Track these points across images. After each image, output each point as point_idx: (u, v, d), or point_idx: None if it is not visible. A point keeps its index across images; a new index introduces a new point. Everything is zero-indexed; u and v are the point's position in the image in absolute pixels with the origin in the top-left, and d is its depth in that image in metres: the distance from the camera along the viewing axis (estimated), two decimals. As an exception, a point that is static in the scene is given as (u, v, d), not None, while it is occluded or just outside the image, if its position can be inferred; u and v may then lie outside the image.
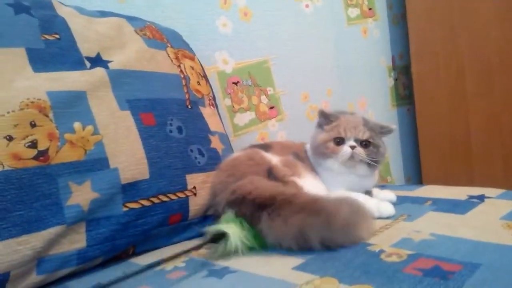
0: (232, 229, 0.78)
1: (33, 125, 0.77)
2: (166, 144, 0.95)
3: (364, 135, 0.98)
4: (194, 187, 0.97)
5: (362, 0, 2.05)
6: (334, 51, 1.90)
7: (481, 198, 1.02)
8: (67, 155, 0.79)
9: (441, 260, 0.65)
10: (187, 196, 0.95)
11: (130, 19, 1.10)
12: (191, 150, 1.00)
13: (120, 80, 0.94)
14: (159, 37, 1.12)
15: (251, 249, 0.79)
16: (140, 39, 1.05)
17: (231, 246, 0.76)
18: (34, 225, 0.72)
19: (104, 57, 0.95)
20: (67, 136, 0.80)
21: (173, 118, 1.00)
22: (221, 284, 0.66)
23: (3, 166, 0.72)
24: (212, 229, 0.78)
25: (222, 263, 0.74)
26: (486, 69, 1.82)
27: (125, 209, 0.84)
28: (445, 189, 1.18)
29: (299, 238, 0.73)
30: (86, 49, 0.93)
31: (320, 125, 1.04)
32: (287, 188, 0.84)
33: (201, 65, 1.26)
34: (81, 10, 1.01)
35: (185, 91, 1.09)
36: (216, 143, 1.09)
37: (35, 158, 0.76)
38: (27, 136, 0.76)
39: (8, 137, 0.74)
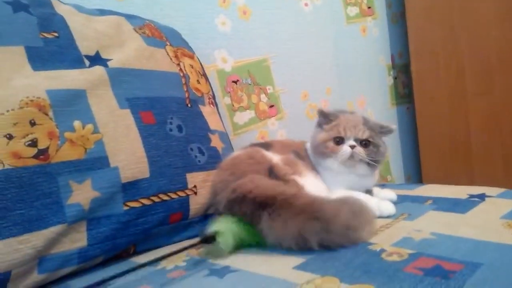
0: (224, 228, 0.78)
1: (32, 123, 0.77)
2: (166, 143, 0.95)
3: (364, 134, 0.97)
4: (195, 186, 0.97)
5: (361, -1, 2.06)
6: (333, 50, 1.90)
7: (482, 197, 1.02)
8: (67, 153, 0.79)
9: (442, 260, 0.65)
10: (188, 195, 0.95)
11: (129, 17, 1.10)
12: (191, 149, 1.00)
13: (120, 78, 0.94)
14: (158, 35, 1.12)
15: (251, 249, 0.79)
16: (139, 38, 1.05)
17: (223, 245, 0.76)
18: (35, 224, 0.72)
19: (103, 56, 0.94)
20: (67, 134, 0.80)
21: (173, 116, 1.00)
22: (222, 283, 0.66)
23: (3, 165, 0.72)
24: (205, 230, 0.78)
25: (223, 263, 0.74)
26: (486, 69, 1.82)
27: (125, 208, 0.84)
28: (445, 188, 1.18)
29: (299, 239, 0.73)
30: (85, 47, 0.92)
31: (319, 125, 1.04)
32: (288, 188, 0.83)
33: (201, 63, 1.26)
34: (79, 8, 1.01)
35: (185, 89, 1.08)
36: (216, 141, 1.09)
37: (35, 156, 0.75)
38: (27, 135, 0.75)
39: (8, 136, 0.73)
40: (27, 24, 0.86)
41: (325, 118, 1.03)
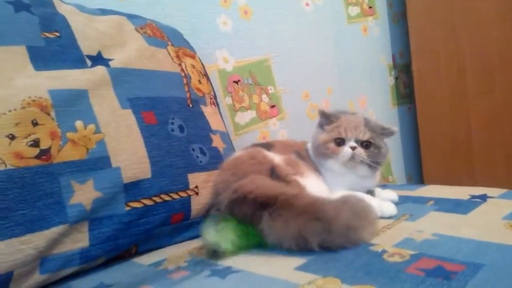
0: (223, 239, 0.78)
1: (35, 123, 0.77)
2: (168, 143, 0.95)
3: (365, 135, 0.97)
4: (196, 186, 0.97)
5: (363, -1, 2.06)
6: (334, 50, 1.90)
7: (483, 198, 1.02)
8: (69, 154, 0.79)
9: (443, 260, 0.65)
10: (189, 195, 0.95)
11: (131, 17, 1.10)
12: (193, 149, 1.00)
13: (121, 78, 0.94)
14: (160, 35, 1.12)
15: (253, 249, 0.79)
16: (141, 37, 1.05)
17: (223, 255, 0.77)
18: (37, 224, 0.72)
19: (105, 56, 0.94)
20: (69, 135, 0.80)
21: (175, 116, 1.00)
22: (224, 284, 0.66)
23: (6, 165, 0.72)
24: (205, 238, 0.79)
25: (225, 263, 0.74)
26: (487, 68, 1.82)
27: (127, 208, 0.84)
28: (446, 188, 1.17)
29: (299, 240, 0.73)
30: (87, 47, 0.93)
31: (320, 125, 1.04)
32: (289, 188, 0.83)
33: (202, 63, 1.26)
34: (81, 8, 1.01)
35: (186, 89, 1.08)
36: (217, 142, 1.09)
37: (37, 157, 0.75)
38: (29, 135, 0.76)
39: (10, 136, 0.73)
40: (28, 24, 0.86)
41: (326, 119, 1.02)
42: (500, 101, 1.80)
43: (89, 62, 0.91)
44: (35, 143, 0.76)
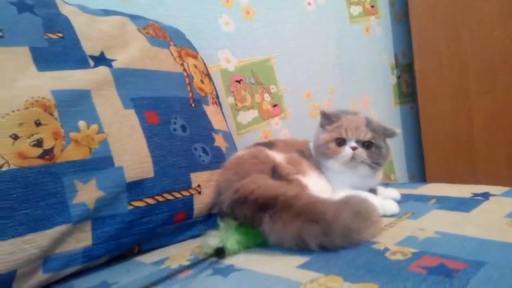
0: (229, 241, 0.79)
1: (38, 123, 0.77)
2: (170, 143, 0.95)
3: (366, 136, 0.97)
4: (199, 186, 0.97)
5: (365, -2, 2.06)
6: (336, 49, 1.90)
7: (486, 196, 1.02)
8: (72, 153, 0.79)
9: (446, 258, 0.65)
10: (192, 195, 0.95)
11: (133, 17, 1.10)
12: (195, 149, 1.00)
13: (124, 78, 0.94)
14: (162, 35, 1.12)
15: (255, 248, 0.79)
16: (143, 38, 1.06)
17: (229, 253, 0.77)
18: (40, 223, 0.73)
19: (108, 56, 0.95)
20: (72, 134, 0.80)
21: (177, 116, 1.00)
22: (226, 282, 0.66)
23: (9, 165, 0.72)
24: (209, 243, 0.79)
25: (227, 262, 0.74)
26: (490, 68, 1.82)
27: (130, 207, 0.85)
28: (449, 187, 1.17)
29: (299, 241, 0.73)
30: (90, 47, 0.93)
31: (322, 125, 1.04)
32: (290, 188, 0.83)
33: (204, 63, 1.27)
34: (84, 9, 1.01)
35: (189, 89, 1.09)
36: (220, 141, 1.09)
37: (41, 157, 0.76)
38: (32, 135, 0.76)
39: (13, 136, 0.74)
40: (31, 25, 0.87)
41: (327, 119, 1.02)
42: (502, 100, 1.80)
43: (92, 63, 0.91)
44: (38, 143, 0.76)
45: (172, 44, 1.13)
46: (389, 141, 1.02)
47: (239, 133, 1.52)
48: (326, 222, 0.73)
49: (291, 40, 1.71)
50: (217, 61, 1.48)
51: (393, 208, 0.94)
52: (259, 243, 0.79)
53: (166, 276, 0.72)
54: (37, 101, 0.78)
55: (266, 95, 1.61)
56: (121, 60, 0.96)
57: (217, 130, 1.11)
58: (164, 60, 1.07)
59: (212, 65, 1.43)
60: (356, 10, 2.01)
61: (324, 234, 0.72)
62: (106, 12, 1.06)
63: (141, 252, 0.90)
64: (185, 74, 1.10)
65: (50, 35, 0.88)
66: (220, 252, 0.77)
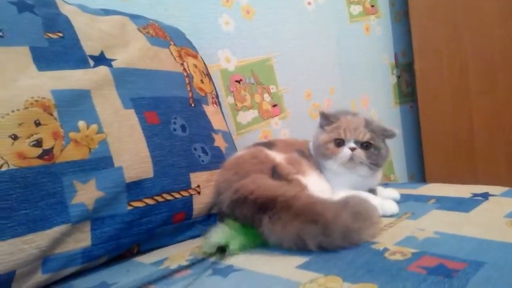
0: (231, 240, 0.79)
1: (37, 123, 0.77)
2: (170, 143, 0.95)
3: (365, 137, 0.97)
4: (198, 186, 0.97)
5: (365, -2, 2.05)
6: (336, 49, 1.90)
7: (485, 196, 1.02)
8: (71, 153, 0.79)
9: (445, 258, 0.65)
10: (191, 195, 0.95)
11: (133, 17, 1.10)
12: (195, 149, 1.00)
13: (124, 78, 0.94)
14: (162, 35, 1.12)
15: (254, 248, 0.79)
16: (143, 37, 1.05)
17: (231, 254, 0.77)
18: (39, 224, 0.73)
19: (108, 56, 0.95)
20: (71, 134, 0.80)
21: (177, 116, 1.00)
22: (226, 282, 0.66)
23: (8, 165, 0.72)
24: (212, 241, 0.79)
25: (227, 262, 0.74)
26: (490, 67, 1.82)
27: (129, 207, 0.84)
28: (448, 187, 1.17)
29: (298, 241, 0.73)
30: (90, 47, 0.93)
31: (321, 126, 1.04)
32: (289, 188, 0.83)
33: (204, 63, 1.26)
34: (84, 8, 1.01)
35: (189, 89, 1.09)
36: (219, 141, 1.09)
37: (40, 157, 0.76)
38: (32, 135, 0.76)
39: (13, 136, 0.74)
40: (32, 25, 0.87)
41: (326, 119, 1.03)
42: (502, 100, 1.80)
43: (91, 62, 0.91)
44: (38, 143, 0.76)
45: (172, 43, 1.13)
46: (388, 141, 1.02)
47: (239, 133, 1.52)
48: (326, 222, 0.73)
49: (291, 40, 1.71)
50: (217, 61, 1.48)
51: (393, 208, 0.94)
52: (259, 243, 0.79)
53: (165, 276, 0.72)
54: (36, 101, 0.78)
55: (266, 95, 1.61)
56: (121, 59, 0.96)
57: (217, 130, 1.11)
58: (164, 60, 1.06)
59: (212, 64, 1.43)
60: (356, 9, 2.01)
61: (324, 234, 0.72)
62: (106, 12, 1.06)
63: (141, 252, 0.89)
64: (185, 74, 1.10)
65: (50, 34, 0.88)
66: (221, 251, 0.77)
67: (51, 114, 0.79)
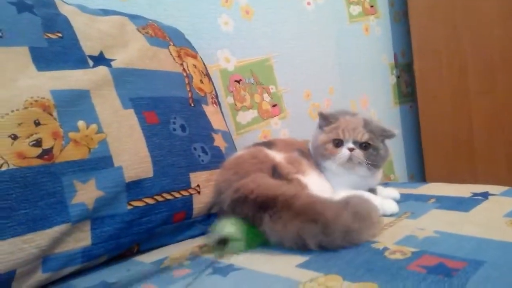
0: (237, 231, 0.79)
1: (37, 123, 0.77)
2: (170, 142, 0.95)
3: (363, 137, 0.97)
4: (198, 185, 0.97)
5: (364, -2, 2.06)
6: (336, 49, 1.90)
7: (485, 195, 1.02)
8: (71, 153, 0.79)
9: (445, 257, 0.65)
10: (191, 194, 0.95)
11: (133, 17, 1.10)
12: (195, 148, 1.00)
13: (123, 78, 0.94)
14: (161, 35, 1.12)
15: (255, 247, 0.79)
16: (143, 38, 1.06)
17: (235, 248, 0.77)
18: (39, 223, 0.73)
19: (107, 56, 0.95)
20: (71, 134, 0.80)
21: (176, 116, 1.00)
22: (226, 281, 0.66)
23: (8, 165, 0.72)
24: (216, 232, 0.79)
25: (227, 261, 0.74)
26: (489, 67, 1.82)
27: (129, 207, 0.85)
28: (448, 186, 1.18)
29: (298, 241, 0.73)
30: (89, 47, 0.93)
31: (320, 126, 1.04)
32: (290, 187, 0.83)
33: (204, 63, 1.26)
34: (83, 9, 1.01)
35: (188, 89, 1.09)
36: (219, 141, 1.09)
37: (40, 156, 0.76)
38: (32, 135, 0.76)
39: (12, 136, 0.74)
40: (31, 25, 0.87)
41: (325, 120, 1.03)
42: (501, 100, 1.80)
43: (91, 63, 0.91)
44: (38, 143, 0.76)
45: (172, 44, 1.13)
46: (388, 141, 1.02)
47: (239, 133, 1.52)
48: (326, 222, 0.73)
49: (291, 40, 1.71)
50: (216, 61, 1.48)
51: (393, 207, 0.94)
52: (261, 243, 0.79)
53: (165, 275, 0.72)
54: (36, 101, 0.78)
55: (265, 95, 1.61)
56: (120, 60, 0.96)
57: (217, 130, 1.11)
58: (163, 60, 1.07)
59: (212, 65, 1.43)
60: (356, 9, 2.01)
61: (324, 234, 0.72)
62: (106, 12, 1.06)
63: (141, 251, 0.90)
64: (185, 74, 1.10)
65: (49, 35, 0.88)
66: (224, 243, 0.77)
67: (51, 114, 0.79)
